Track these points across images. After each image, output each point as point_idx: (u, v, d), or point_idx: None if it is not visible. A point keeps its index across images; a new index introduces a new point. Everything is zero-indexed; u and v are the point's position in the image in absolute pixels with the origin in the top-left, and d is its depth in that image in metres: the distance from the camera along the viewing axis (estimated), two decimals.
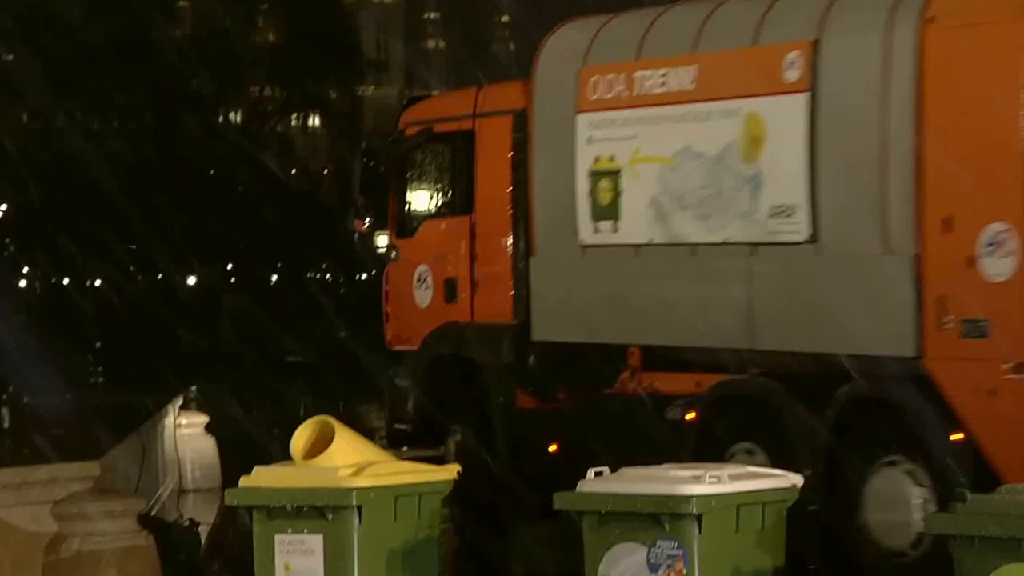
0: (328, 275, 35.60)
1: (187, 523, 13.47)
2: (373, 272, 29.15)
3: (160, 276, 31.95)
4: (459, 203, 13.77)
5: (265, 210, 28.47)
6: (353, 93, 29.37)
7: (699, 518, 7.26)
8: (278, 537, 8.08)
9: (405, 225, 14.46)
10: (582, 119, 11.89)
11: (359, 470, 8.04)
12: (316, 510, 7.98)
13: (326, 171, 32.03)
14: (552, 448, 12.33)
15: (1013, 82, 9.24)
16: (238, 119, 31.12)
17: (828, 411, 10.33)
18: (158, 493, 15.46)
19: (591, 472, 7.66)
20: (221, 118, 30.19)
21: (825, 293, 10.33)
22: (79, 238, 26.38)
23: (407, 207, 14.44)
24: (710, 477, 7.36)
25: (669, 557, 7.29)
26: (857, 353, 10.09)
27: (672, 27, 11.65)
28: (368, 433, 9.25)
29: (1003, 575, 6.67)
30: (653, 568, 7.33)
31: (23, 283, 34.92)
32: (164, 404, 17.53)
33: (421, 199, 14.40)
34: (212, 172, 29.06)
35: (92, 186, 25.84)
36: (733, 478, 7.42)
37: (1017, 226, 9.27)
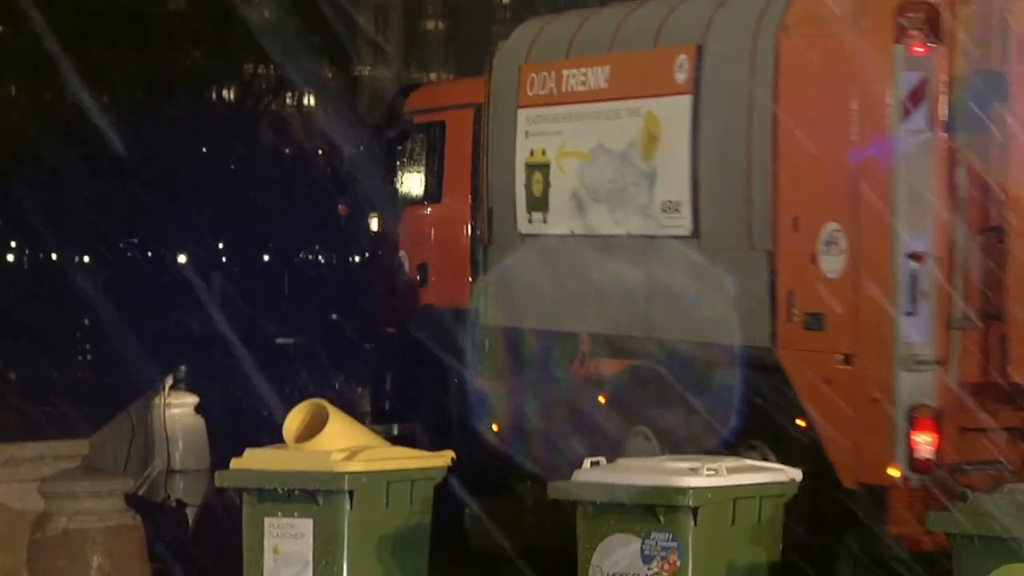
0: (320, 257, 35.55)
1: (175, 504, 13.41)
2: (366, 255, 29.11)
3: (149, 254, 31.90)
4: (431, 191, 14.57)
5: (257, 190, 28.42)
6: (349, 73, 29.29)
7: (695, 511, 7.21)
8: (268, 520, 8.02)
9: (392, 211, 15.32)
10: (521, 114, 12.53)
11: (351, 455, 7.97)
12: (307, 494, 7.92)
13: (320, 151, 31.95)
14: (495, 427, 12.86)
15: (846, 91, 9.90)
16: (232, 97, 31.02)
17: (706, 398, 10.90)
18: (146, 473, 15.39)
19: (587, 462, 7.61)
20: (214, 96, 30.10)
21: (704, 286, 10.95)
22: (68, 214, 26.30)
23: (394, 193, 15.25)
24: (707, 470, 7.30)
25: (663, 549, 7.24)
26: (726, 343, 10.65)
27: (594, 29, 12.27)
28: (358, 416, 9.18)
29: (1002, 575, 6.63)
30: (647, 560, 7.27)
31: (10, 257, 34.84)
32: (153, 383, 17.47)
33: (404, 186, 15.14)
34: (204, 150, 28.99)
35: (81, 161, 25.74)
36: (731, 471, 7.36)
37: (847, 227, 9.94)
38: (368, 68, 31.06)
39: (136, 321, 24.37)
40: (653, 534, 7.24)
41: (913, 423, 9.53)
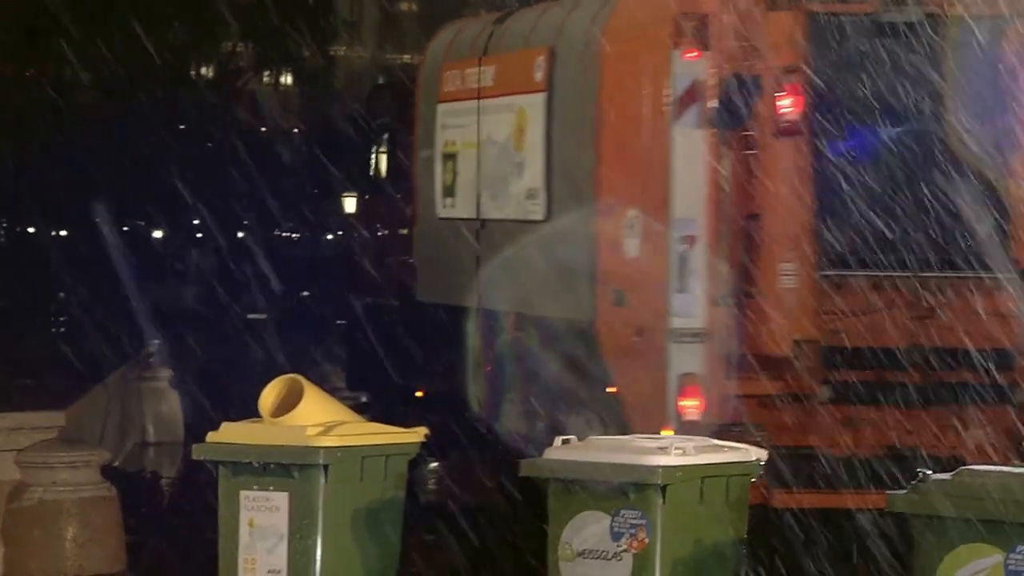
0: (295, 234, 35.59)
1: (150, 476, 13.51)
2: (339, 232, 29.18)
3: (125, 228, 31.86)
4: (391, 175, 16.32)
5: (234, 166, 28.43)
6: (326, 53, 29.30)
7: (663, 489, 7.31)
8: (243, 493, 8.10)
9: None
10: (439, 108, 13.93)
11: (327, 429, 8.06)
12: (282, 468, 8.01)
13: (296, 130, 31.96)
14: (419, 393, 14.34)
15: (639, 91, 11.14)
16: (210, 74, 31.00)
17: (555, 370, 12.11)
18: (122, 445, 15.48)
19: (558, 440, 7.72)
20: (193, 73, 30.08)
21: (554, 267, 12.11)
22: (45, 188, 26.29)
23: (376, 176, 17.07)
24: (675, 449, 7.42)
25: (632, 526, 7.35)
26: (568, 317, 11.92)
27: (491, 31, 13.66)
28: (330, 391, 9.28)
29: (960, 555, 6.75)
30: (616, 537, 7.39)
31: None
32: (128, 357, 17.53)
33: (380, 169, 16.97)
34: (182, 127, 29.00)
35: (60, 135, 25.73)
36: (698, 450, 7.48)
37: (642, 213, 11.13)
38: (344, 48, 31.05)
39: (111, 295, 24.40)
40: (622, 511, 7.36)
41: (681, 390, 10.69)
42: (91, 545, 10.61)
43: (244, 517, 8.07)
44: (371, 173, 17.04)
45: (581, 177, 11.81)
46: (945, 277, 10.97)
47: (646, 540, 7.32)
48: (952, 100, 11.01)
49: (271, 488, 8.04)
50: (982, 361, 10.81)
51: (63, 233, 31.10)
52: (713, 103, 10.77)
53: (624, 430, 10.77)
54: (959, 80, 11.04)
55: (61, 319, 27.43)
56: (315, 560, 7.97)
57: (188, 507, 12.66)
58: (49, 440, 11.13)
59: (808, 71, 10.73)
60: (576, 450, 7.64)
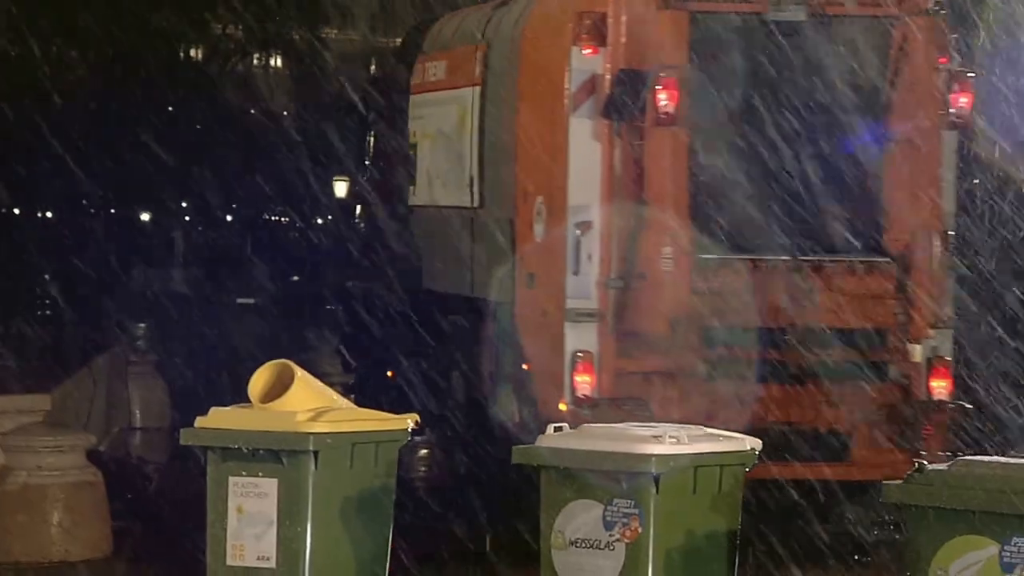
0: (284, 218, 35.49)
1: (136, 461, 13.44)
2: (329, 217, 29.12)
3: (113, 211, 31.73)
4: (375, 163, 16.40)
5: (223, 149, 28.31)
6: (316, 35, 29.18)
7: (656, 478, 7.26)
8: (232, 479, 8.05)
9: None
10: (412, 100, 14.42)
11: (316, 416, 8.00)
12: (272, 454, 7.95)
13: (286, 112, 31.84)
14: (389, 374, 14.63)
15: (545, 85, 11.91)
16: (199, 56, 30.86)
17: (486, 347, 12.83)
18: (107, 430, 15.40)
19: (550, 427, 7.67)
20: (182, 55, 29.94)
21: (484, 251, 12.88)
22: (30, 168, 26.17)
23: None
24: (669, 438, 7.36)
25: (625, 516, 7.30)
26: (497, 299, 12.49)
27: (454, 26, 14.25)
28: (318, 377, 9.22)
29: (955, 547, 6.72)
30: (608, 526, 7.34)
31: None
32: (114, 341, 17.46)
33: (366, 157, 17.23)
34: (170, 109, 28.86)
35: (47, 116, 25.61)
36: (692, 439, 7.42)
37: (547, 200, 11.89)
38: (335, 31, 30.92)
39: (98, 278, 24.32)
40: (615, 501, 7.30)
41: (575, 366, 11.49)
42: (76, 530, 10.56)
43: (233, 503, 8.02)
44: (362, 160, 17.21)
45: (505, 166, 12.49)
46: (820, 261, 11.69)
47: (639, 530, 7.27)
48: (832, 95, 11.79)
49: (260, 474, 7.98)
50: (856, 340, 11.63)
51: (48, 215, 30.98)
52: (606, 96, 11.53)
53: (534, 406, 11.81)
54: (840, 76, 11.81)
55: (46, 302, 27.33)
56: (304, 547, 7.92)
57: (175, 493, 12.60)
58: (34, 424, 11.08)
59: (687, 66, 11.52)
60: (569, 438, 7.58)
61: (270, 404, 8.05)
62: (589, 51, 11.65)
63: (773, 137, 11.78)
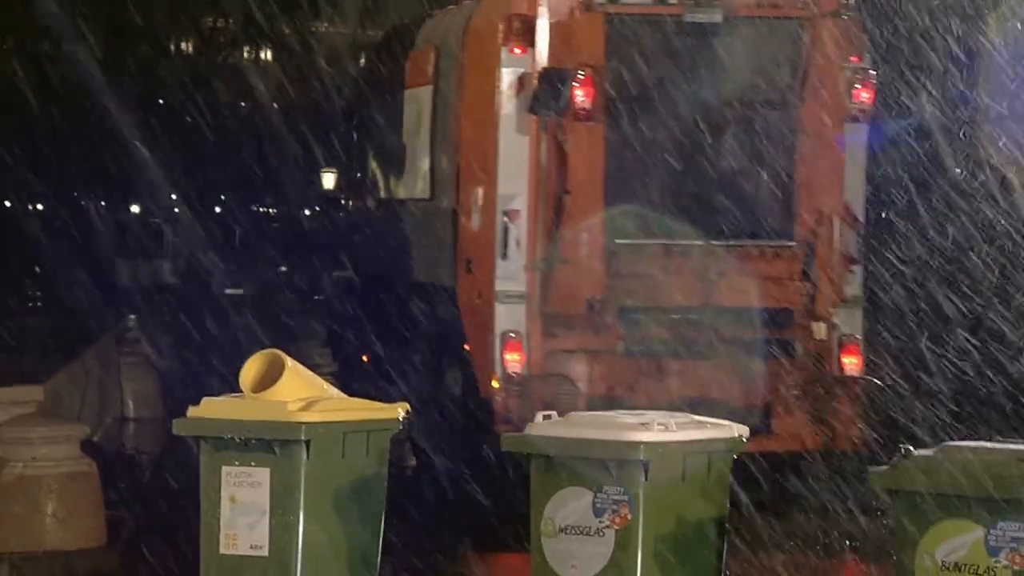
0: (272, 209, 35.51)
1: (130, 452, 13.47)
2: (316, 209, 29.18)
3: (103, 203, 31.75)
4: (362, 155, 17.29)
5: (212, 142, 28.32)
6: (307, 29, 29.19)
7: (646, 465, 7.31)
8: (225, 469, 8.08)
9: None
10: (405, 94, 15.04)
11: (308, 405, 8.04)
12: (264, 443, 7.98)
13: (276, 105, 31.86)
14: (365, 358, 15.55)
15: (480, 84, 13.02)
16: (189, 49, 30.87)
17: (434, 328, 13.91)
18: (100, 420, 15.43)
19: (539, 416, 7.72)
20: (172, 47, 29.94)
21: (435, 240, 13.85)
22: (20, 161, 26.16)
23: None
24: (658, 425, 7.42)
25: (614, 503, 7.35)
26: (444, 284, 13.58)
27: (430, 26, 14.99)
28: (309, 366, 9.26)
29: (941, 531, 6.78)
30: (598, 513, 7.39)
31: None
32: (106, 332, 17.47)
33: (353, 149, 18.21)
34: (161, 101, 28.87)
35: (37, 108, 25.62)
36: (681, 426, 7.47)
37: (483, 191, 12.90)
38: (325, 24, 30.92)
39: (88, 269, 24.34)
40: (604, 488, 7.36)
41: (505, 345, 12.47)
42: (71, 520, 10.61)
43: (225, 493, 8.05)
44: (355, 154, 17.83)
45: (450, 160, 13.53)
46: (730, 245, 12.69)
47: (628, 516, 7.32)
48: (745, 91, 12.81)
49: (252, 464, 8.01)
50: (765, 319, 12.65)
51: (39, 207, 30.99)
52: (533, 93, 12.47)
53: (473, 383, 12.82)
54: (753, 73, 12.83)
55: (38, 293, 27.34)
56: (297, 536, 7.96)
57: (168, 483, 12.65)
58: (28, 415, 11.12)
59: (604, 65, 12.45)
60: (558, 426, 7.63)
61: (262, 394, 8.09)
62: (518, 51, 12.66)
63: (688, 131, 12.79)
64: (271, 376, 8.16)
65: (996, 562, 6.62)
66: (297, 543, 7.97)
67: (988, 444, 6.97)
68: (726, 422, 7.76)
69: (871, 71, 12.84)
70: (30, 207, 30.35)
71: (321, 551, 8.03)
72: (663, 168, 12.82)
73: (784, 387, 12.66)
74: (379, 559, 8.26)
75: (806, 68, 12.76)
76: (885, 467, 6.95)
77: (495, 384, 12.49)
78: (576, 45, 12.45)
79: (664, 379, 12.57)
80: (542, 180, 12.49)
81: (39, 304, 26.79)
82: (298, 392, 8.11)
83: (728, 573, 7.72)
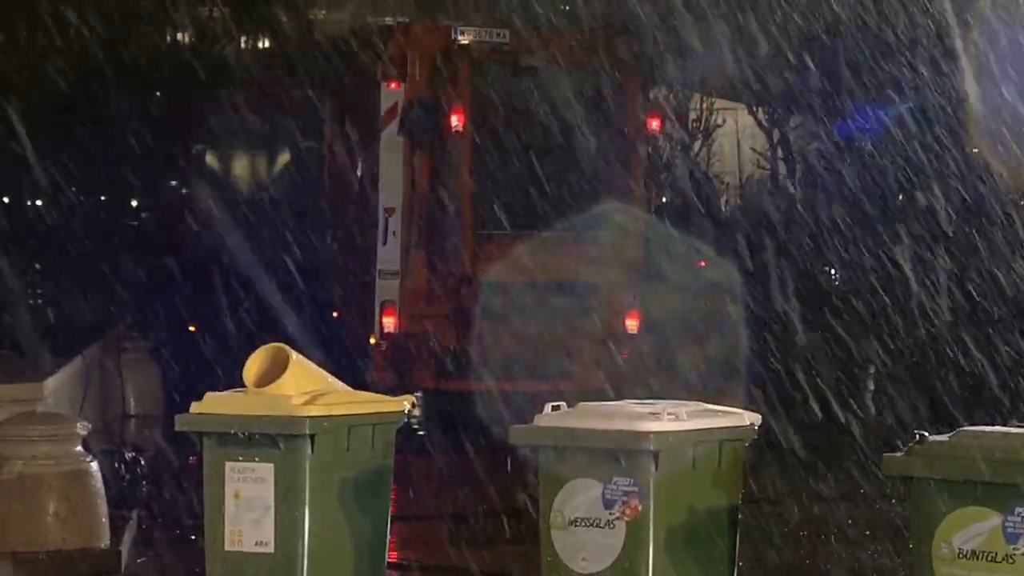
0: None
1: (131, 449, 13.38)
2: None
3: (103, 198, 31.62)
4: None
5: (215, 134, 28.28)
6: (305, 17, 29.08)
7: (656, 455, 7.20)
8: (228, 464, 7.98)
9: None
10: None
11: (312, 399, 7.94)
12: (268, 438, 7.88)
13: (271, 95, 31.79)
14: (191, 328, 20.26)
15: (368, 112, 17.54)
16: (186, 40, 30.74)
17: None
18: (102, 418, 15.34)
19: (547, 407, 7.61)
20: (169, 38, 29.83)
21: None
22: (20, 158, 26.07)
23: None
24: (668, 414, 7.30)
25: (625, 494, 7.25)
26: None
27: None
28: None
29: (958, 518, 6.68)
30: (608, 504, 7.29)
31: None
32: (107, 329, 17.40)
33: None
34: (158, 93, 28.75)
35: (31, 103, 25.52)
36: (691, 415, 7.36)
37: (373, 193, 17.35)
38: (323, 12, 30.82)
39: (90, 266, 24.26)
40: (615, 479, 7.25)
41: (382, 311, 16.86)
42: (73, 519, 10.51)
43: (230, 489, 7.95)
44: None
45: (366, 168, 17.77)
46: (551, 234, 16.83)
47: (639, 507, 7.21)
48: (565, 117, 16.91)
49: (256, 459, 7.91)
50: (575, 291, 16.83)
51: (38, 203, 30.90)
52: (406, 119, 16.73)
53: (362, 343, 16.99)
54: (571, 102, 16.92)
55: (39, 291, 27.23)
56: (302, 531, 7.87)
57: (171, 479, 12.57)
58: (29, 413, 11.02)
59: (470, 96, 16.74)
60: (567, 416, 7.52)
61: (265, 388, 7.99)
62: (394, 85, 16.92)
63: (525, 145, 17.11)
64: (275, 370, 8.06)
65: (1015, 549, 6.52)
66: (303, 538, 7.88)
67: (1004, 429, 6.86)
68: (737, 410, 7.65)
69: (658, 106, 18.77)
70: (28, 203, 30.30)
71: (327, 546, 7.94)
72: (511, 175, 16.95)
73: (588, 342, 16.86)
74: (387, 551, 8.16)
75: (613, 101, 17.24)
76: (900, 454, 6.84)
77: (372, 340, 16.82)
78: (442, 80, 16.55)
79: (503, 336, 16.51)
80: (416, 184, 16.77)
81: (40, 301, 26.67)
82: (302, 386, 8.01)
83: (741, 563, 7.61)
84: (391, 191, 16.81)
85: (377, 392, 8.64)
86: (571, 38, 17.41)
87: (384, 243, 16.82)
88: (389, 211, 16.77)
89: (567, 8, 19.29)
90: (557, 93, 16.78)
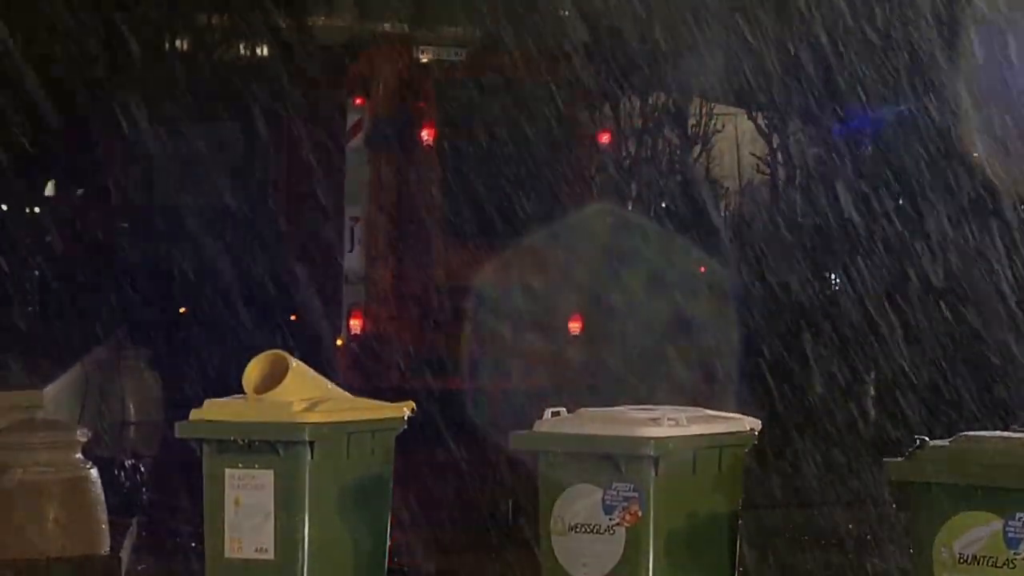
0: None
1: (131, 456, 13.36)
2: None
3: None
4: None
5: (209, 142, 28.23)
6: (302, 24, 29.09)
7: (656, 461, 7.19)
8: (228, 471, 7.98)
9: None
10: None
11: (312, 405, 7.94)
12: (268, 445, 7.88)
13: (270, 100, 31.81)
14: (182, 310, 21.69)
15: (336, 126, 18.86)
16: (184, 47, 30.75)
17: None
18: (101, 425, 15.34)
19: (547, 412, 7.60)
20: (167, 45, 29.84)
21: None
22: (17, 161, 26.08)
23: None
24: (668, 420, 7.29)
25: (625, 500, 7.24)
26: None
27: None
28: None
29: (959, 523, 6.68)
30: (608, 510, 7.28)
31: None
32: (106, 336, 17.40)
33: None
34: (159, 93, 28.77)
35: (30, 109, 25.54)
36: (691, 421, 7.35)
37: (340, 203, 18.43)
38: (321, 19, 30.84)
39: (87, 274, 24.25)
40: (615, 485, 7.24)
41: (350, 314, 17.89)
42: (73, 526, 10.50)
43: (230, 496, 7.95)
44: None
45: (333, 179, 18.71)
46: (517, 242, 17.87)
47: (639, 513, 7.21)
48: (503, 130, 18.17)
49: (256, 466, 7.91)
50: (535, 297, 17.93)
51: (36, 210, 30.91)
52: (370, 133, 17.95)
53: (315, 343, 17.37)
54: (519, 115, 18.18)
55: (36, 298, 27.20)
56: (302, 538, 7.87)
57: (171, 487, 12.55)
58: (29, 420, 11.01)
59: (436, 112, 18.00)
60: (566, 422, 7.51)
61: (265, 395, 7.99)
62: (360, 101, 18.06)
63: (484, 156, 18.18)
64: (275, 377, 8.06)
65: (1015, 554, 6.51)
66: (303, 545, 7.88)
67: (1004, 433, 6.86)
68: (737, 415, 7.65)
69: (608, 122, 19.93)
70: (27, 210, 30.29)
71: (327, 553, 7.93)
72: (472, 187, 17.99)
73: (537, 343, 17.88)
74: (386, 558, 8.16)
75: (567, 113, 18.43)
76: (900, 459, 6.83)
77: (339, 342, 17.79)
78: (404, 96, 17.80)
79: (451, 334, 17.70)
80: (376, 195, 17.99)
81: (38, 308, 26.65)
82: (302, 392, 8.01)
83: (742, 568, 7.61)
84: (356, 200, 18.04)
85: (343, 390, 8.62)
86: (526, 55, 18.57)
87: (351, 250, 17.95)
88: (354, 219, 17.99)
89: (533, 25, 20.26)
90: (514, 108, 18.13)
